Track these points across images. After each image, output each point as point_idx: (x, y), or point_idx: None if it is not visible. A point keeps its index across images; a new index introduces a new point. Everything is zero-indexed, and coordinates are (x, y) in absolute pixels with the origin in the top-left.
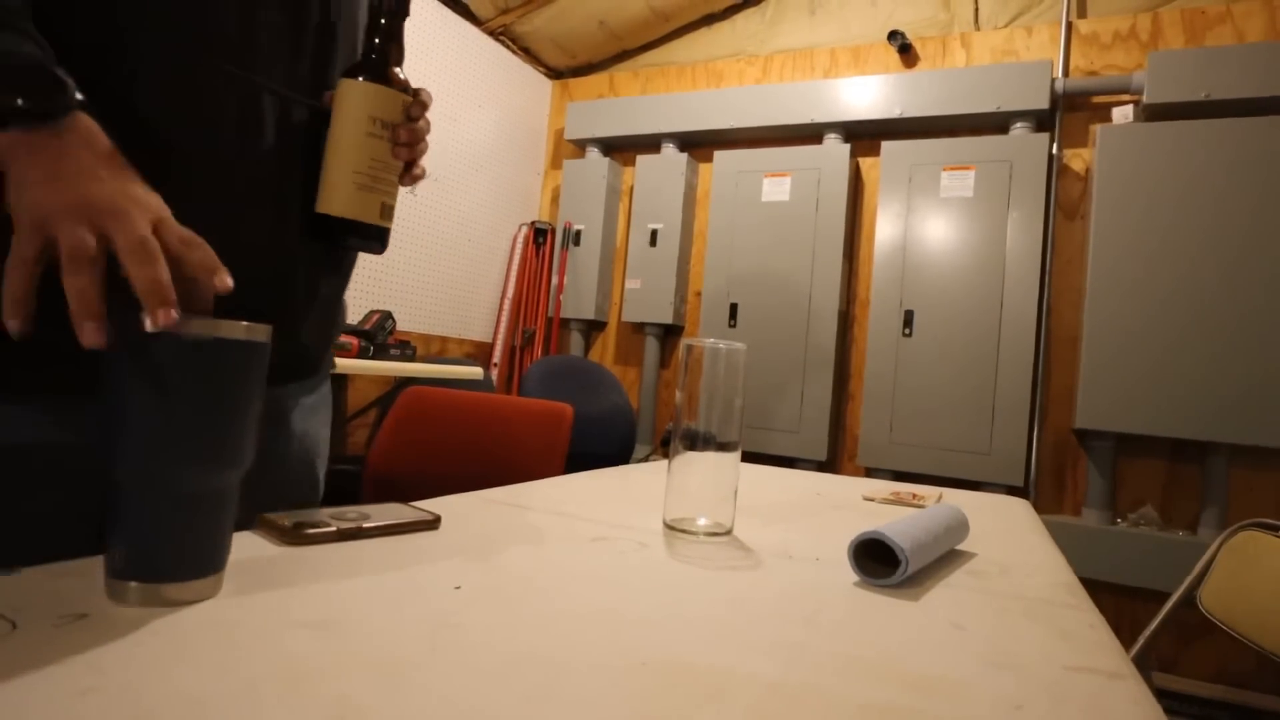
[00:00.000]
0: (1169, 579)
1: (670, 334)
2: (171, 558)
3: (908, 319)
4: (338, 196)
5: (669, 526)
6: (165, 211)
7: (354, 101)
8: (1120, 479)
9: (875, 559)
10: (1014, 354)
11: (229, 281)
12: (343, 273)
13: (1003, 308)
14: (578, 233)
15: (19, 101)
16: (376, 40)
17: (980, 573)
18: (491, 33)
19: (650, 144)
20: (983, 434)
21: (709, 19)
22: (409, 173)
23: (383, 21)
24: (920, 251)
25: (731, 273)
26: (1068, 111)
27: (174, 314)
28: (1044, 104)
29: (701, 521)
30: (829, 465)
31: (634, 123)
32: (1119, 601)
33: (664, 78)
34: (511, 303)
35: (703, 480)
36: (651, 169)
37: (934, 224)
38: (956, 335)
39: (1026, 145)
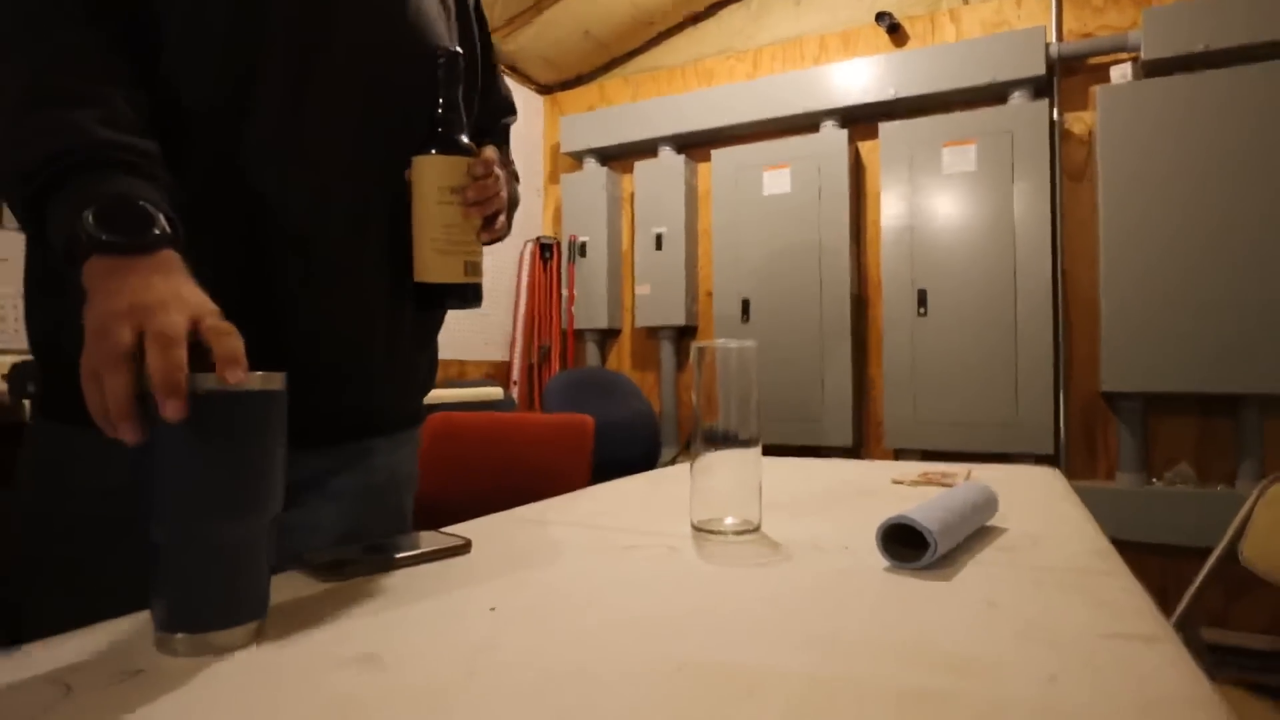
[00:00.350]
0: (1211, 535)
1: (685, 335)
2: (213, 607)
3: (921, 298)
4: (423, 264)
5: (697, 528)
6: (206, 306)
7: (422, 174)
8: (1152, 439)
9: (905, 543)
10: (1032, 322)
11: (241, 376)
12: (425, 334)
13: (1016, 277)
14: (583, 244)
15: (104, 236)
16: (437, 112)
17: (1011, 547)
18: None
19: (647, 149)
20: (1008, 405)
21: (695, 19)
22: (490, 228)
23: (440, 97)
24: (928, 230)
25: (740, 269)
26: (1065, 76)
27: (180, 406)
28: (1040, 70)
29: (729, 521)
30: (856, 451)
31: (628, 130)
32: (1163, 563)
33: (654, 82)
34: (524, 320)
35: (727, 479)
36: (650, 174)
37: (939, 201)
38: (972, 309)
39: (1026, 114)
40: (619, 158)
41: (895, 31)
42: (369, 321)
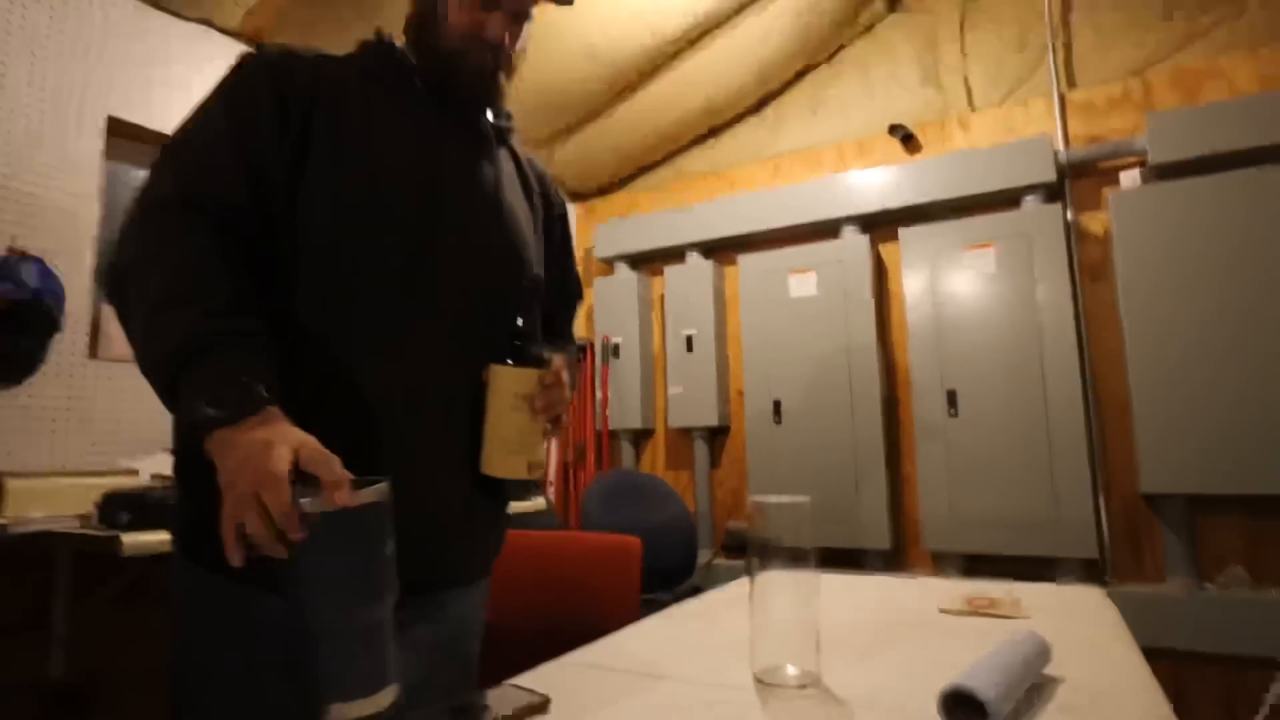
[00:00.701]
0: (1273, 643)
1: (717, 435)
2: (365, 677)
3: (951, 398)
4: (491, 461)
5: (759, 680)
6: (306, 442)
7: (498, 382)
8: (1200, 540)
9: (964, 705)
10: (1064, 422)
11: (344, 497)
12: (497, 513)
13: (1045, 377)
14: (615, 345)
15: (209, 411)
16: (517, 327)
17: (1071, 707)
18: None
19: (676, 254)
20: (1047, 505)
21: (714, 131)
22: (555, 427)
23: (520, 316)
24: (953, 331)
25: (770, 370)
26: (1076, 179)
27: (295, 528)
28: (1050, 176)
29: (790, 671)
30: (895, 554)
31: (657, 236)
32: (1225, 674)
33: (680, 189)
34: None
35: (785, 614)
36: (680, 278)
37: (962, 302)
38: (1003, 409)
39: (1041, 217)
40: (649, 262)
41: (909, 140)
42: (450, 495)
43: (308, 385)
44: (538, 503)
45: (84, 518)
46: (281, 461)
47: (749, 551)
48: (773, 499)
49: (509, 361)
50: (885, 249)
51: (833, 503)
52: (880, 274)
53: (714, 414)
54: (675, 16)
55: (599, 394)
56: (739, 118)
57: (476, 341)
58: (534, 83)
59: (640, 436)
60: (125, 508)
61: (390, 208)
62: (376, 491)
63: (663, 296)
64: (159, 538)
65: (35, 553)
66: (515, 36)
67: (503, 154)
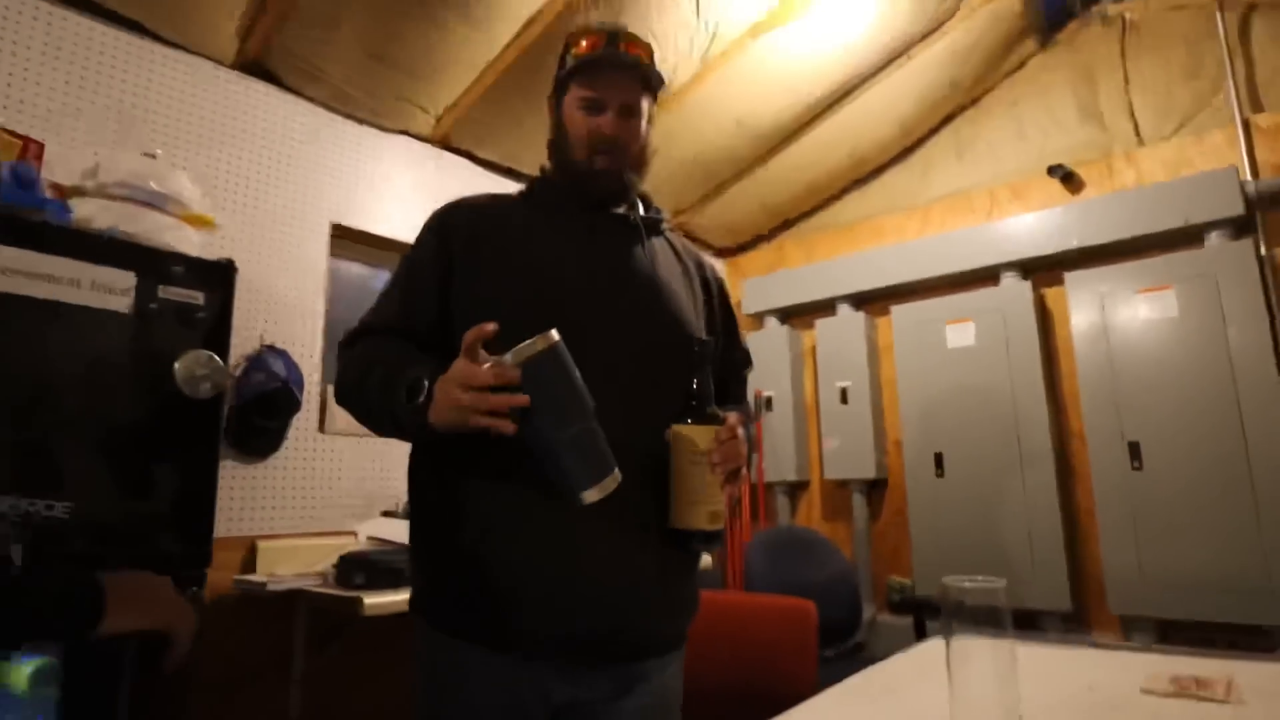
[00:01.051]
0: None
1: (875, 487)
2: (599, 467)
3: (1134, 450)
4: (676, 513)
5: None
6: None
7: (678, 440)
8: None
9: None
10: (1270, 475)
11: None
12: (688, 568)
13: (1244, 426)
14: (768, 399)
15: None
16: (692, 387)
17: None
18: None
19: (825, 307)
20: (1255, 568)
21: (858, 182)
22: (733, 481)
23: (694, 378)
24: (1132, 378)
25: (929, 421)
26: (1269, 209)
27: (504, 422)
28: (1238, 210)
29: None
30: (1076, 616)
31: (806, 290)
32: None
33: (827, 241)
34: None
35: (985, 698)
36: (831, 330)
37: (1140, 349)
38: (1195, 462)
39: (1228, 254)
40: (798, 315)
41: (1069, 180)
42: (643, 558)
43: (495, 459)
44: (705, 561)
45: (322, 575)
46: (459, 369)
47: (943, 627)
48: (966, 582)
49: (688, 420)
50: (1049, 294)
51: (1002, 559)
52: (1045, 322)
53: (871, 466)
54: (823, 83)
55: None
56: (884, 167)
57: (654, 407)
58: (685, 154)
59: (795, 488)
60: (360, 569)
61: (552, 300)
62: (544, 339)
63: (814, 348)
64: (394, 598)
65: (280, 606)
66: (633, 132)
67: (658, 242)
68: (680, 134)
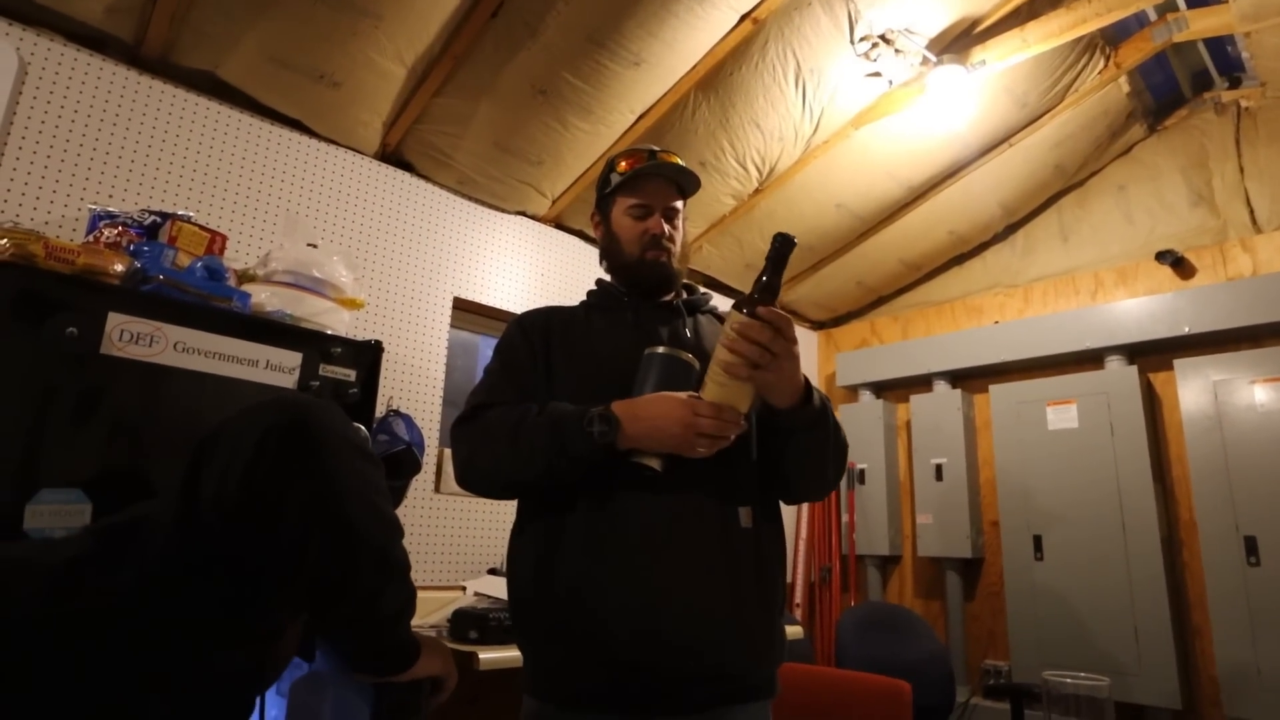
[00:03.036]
0: None
1: (970, 567)
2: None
3: (1250, 545)
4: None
5: None
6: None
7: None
8: None
9: None
10: None
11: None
12: (768, 600)
13: None
14: (861, 471)
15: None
16: (760, 278)
17: None
18: None
19: (921, 383)
20: None
21: (958, 259)
22: (757, 370)
23: (760, 275)
24: (1248, 470)
25: (1029, 503)
26: None
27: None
28: None
29: None
30: (1186, 716)
31: (902, 366)
32: None
33: (923, 318)
34: (805, 542)
35: None
36: (926, 406)
37: (1257, 440)
38: None
39: None
40: (893, 389)
41: (1179, 266)
42: (718, 596)
43: (583, 519)
44: (794, 630)
45: (435, 629)
46: (678, 401)
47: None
48: (1069, 679)
49: (742, 310)
50: (1158, 380)
51: (1107, 650)
52: (1153, 408)
53: (967, 545)
54: (924, 169)
55: (845, 518)
56: (985, 245)
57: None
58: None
59: (887, 563)
60: (473, 625)
61: (611, 377)
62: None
63: (908, 423)
64: (506, 654)
65: None
66: (676, 229)
67: (704, 319)
68: (780, 214)
